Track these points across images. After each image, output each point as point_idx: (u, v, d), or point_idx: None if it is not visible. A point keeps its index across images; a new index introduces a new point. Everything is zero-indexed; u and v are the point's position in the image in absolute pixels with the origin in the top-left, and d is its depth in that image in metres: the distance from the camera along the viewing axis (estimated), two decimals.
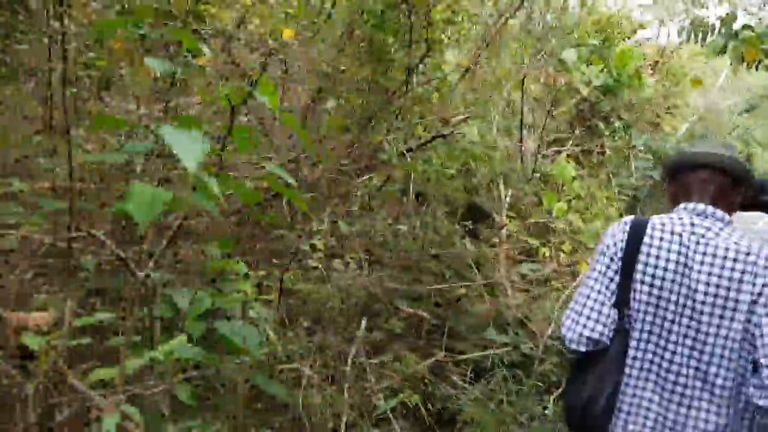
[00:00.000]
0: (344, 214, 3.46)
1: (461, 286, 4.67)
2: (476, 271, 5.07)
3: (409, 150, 4.09)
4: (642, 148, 9.24)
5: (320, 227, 2.74)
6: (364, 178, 4.02)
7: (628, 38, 8.22)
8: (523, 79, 5.00)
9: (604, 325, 2.07)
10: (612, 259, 2.11)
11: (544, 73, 5.68)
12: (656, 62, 12.00)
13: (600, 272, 2.12)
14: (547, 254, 7.44)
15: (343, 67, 3.73)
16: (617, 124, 7.98)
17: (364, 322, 4.71)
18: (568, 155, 7.40)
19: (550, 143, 7.23)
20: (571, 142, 7.20)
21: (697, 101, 14.52)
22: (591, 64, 7.69)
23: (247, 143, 1.92)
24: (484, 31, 4.73)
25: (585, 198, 7.57)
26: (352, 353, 4.27)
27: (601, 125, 7.91)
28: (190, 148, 1.47)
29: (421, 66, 3.96)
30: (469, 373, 5.01)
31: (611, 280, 2.10)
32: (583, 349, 2.11)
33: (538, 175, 5.97)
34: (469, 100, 4.45)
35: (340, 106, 3.79)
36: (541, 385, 4.85)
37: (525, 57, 5.46)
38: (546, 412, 4.36)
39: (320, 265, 2.76)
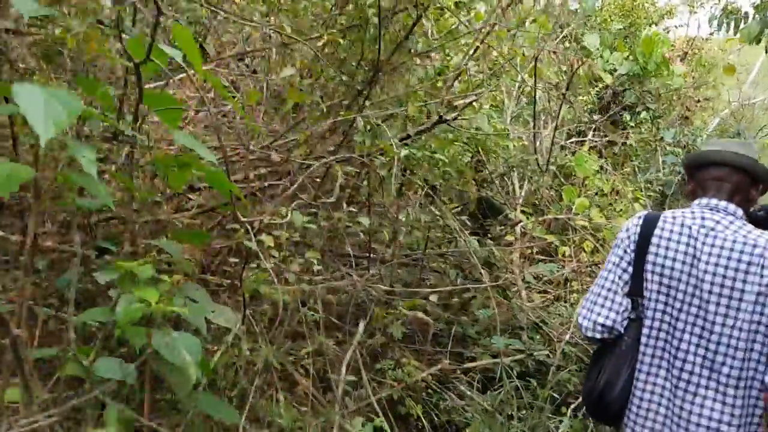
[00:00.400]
0: (318, 206, 3.07)
1: (470, 288, 4.25)
2: (487, 271, 4.65)
3: (407, 137, 3.69)
4: (670, 142, 8.74)
5: (273, 220, 2.34)
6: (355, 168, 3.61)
7: (655, 24, 7.72)
8: (536, 59, 4.56)
9: (617, 313, 2.20)
10: (625, 251, 2.23)
11: (563, 57, 5.23)
12: (685, 53, 11.45)
13: (614, 263, 2.25)
14: (567, 253, 7.01)
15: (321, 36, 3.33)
16: (643, 115, 7.48)
17: (361, 326, 4.32)
18: (590, 147, 6.93)
19: (570, 134, 6.77)
20: (592, 133, 6.73)
21: (729, 95, 14.03)
22: (615, 50, 7.21)
23: (173, 116, 1.55)
24: (495, 9, 4.31)
25: (608, 193, 7.10)
26: (346, 360, 3.87)
27: (626, 116, 7.41)
28: (47, 113, 1.10)
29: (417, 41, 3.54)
30: (477, 382, 4.60)
31: (624, 270, 2.22)
32: (597, 336, 2.24)
33: (554, 167, 5.52)
34: (476, 83, 4.02)
35: (318, 83, 3.40)
36: (556, 396, 4.42)
37: (542, 39, 5.01)
38: (561, 427, 3.92)
39: (270, 266, 2.38)
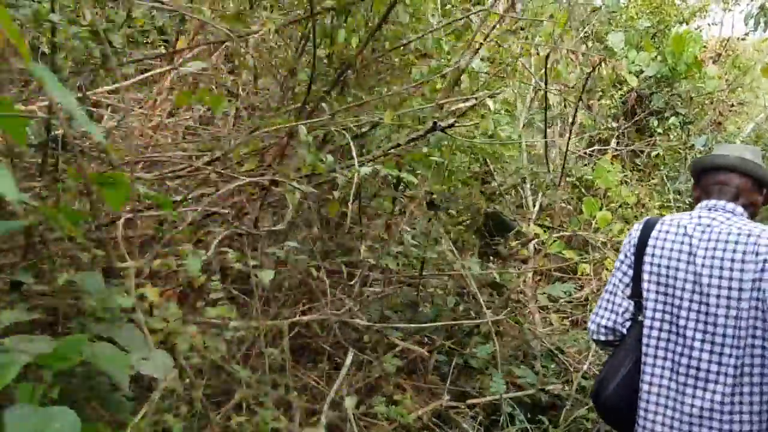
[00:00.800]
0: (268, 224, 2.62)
1: (472, 315, 3.77)
2: (491, 294, 4.17)
3: (396, 146, 3.23)
4: (702, 149, 8.15)
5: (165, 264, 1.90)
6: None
7: (686, 23, 7.15)
8: (547, 58, 4.07)
9: (617, 314, 2.29)
10: (626, 255, 2.32)
11: (582, 57, 4.74)
12: (718, 55, 10.80)
13: (616, 268, 2.34)
14: (588, 271, 6.49)
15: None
16: (672, 120, 6.92)
17: (350, 357, 3.86)
18: (613, 156, 6.40)
19: (592, 142, 6.25)
20: (615, 140, 6.20)
21: (765, 99, 13.39)
22: (641, 50, 6.67)
23: (17, 125, 1.11)
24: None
25: (633, 206, 6.56)
26: (329, 397, 3.41)
27: (653, 122, 6.85)
28: None
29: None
30: (482, 418, 4.11)
31: (624, 273, 2.30)
32: (602, 338, 2.34)
33: (573, 178, 5.02)
34: (482, 85, 3.55)
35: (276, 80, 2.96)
36: None
37: (558, 37, 4.52)
38: None
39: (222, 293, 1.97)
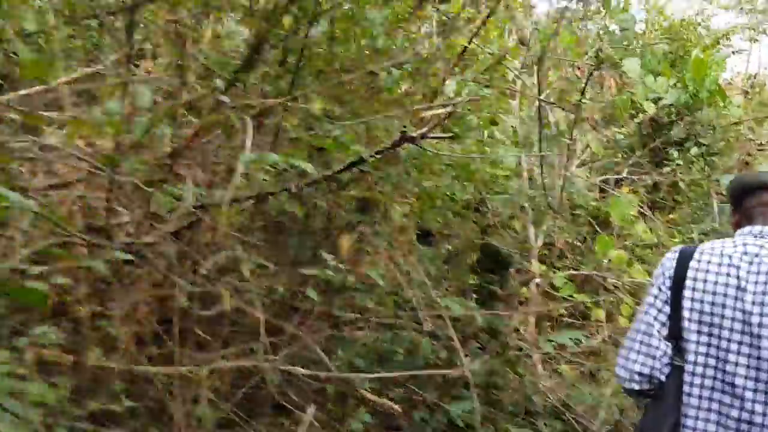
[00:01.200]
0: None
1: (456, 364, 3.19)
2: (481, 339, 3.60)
3: (357, 163, 2.74)
4: (726, 191, 7.53)
5: None
6: None
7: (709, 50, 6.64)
8: (540, 61, 3.56)
9: (654, 358, 2.01)
10: (660, 289, 2.05)
11: (591, 75, 4.23)
12: (745, 92, 10.23)
13: (649, 304, 2.07)
14: (601, 316, 5.85)
15: None
16: (694, 151, 6.32)
17: (309, 414, 3.30)
18: (630, 189, 5.83)
19: (605, 171, 5.68)
20: (627, 170, 5.62)
21: None
22: (660, 75, 6.15)
23: None
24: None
25: (652, 246, 5.94)
26: None
27: (673, 152, 6.27)
28: None
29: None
30: None
31: (659, 310, 2.03)
32: (636, 387, 2.04)
33: (581, 210, 4.46)
34: (467, 92, 3.04)
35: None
36: None
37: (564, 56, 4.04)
38: None
39: None
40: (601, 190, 6.27)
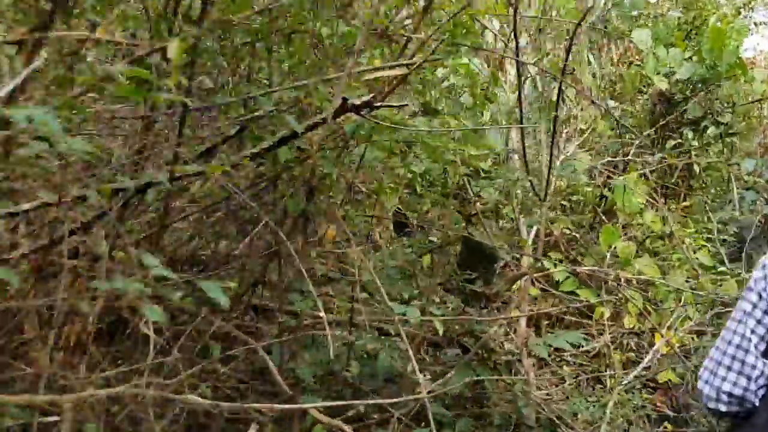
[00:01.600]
0: None
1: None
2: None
3: (287, 138, 2.23)
4: (750, 172, 6.89)
5: None
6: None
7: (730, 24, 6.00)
8: (515, 13, 2.97)
9: (749, 379, 1.76)
10: (760, 296, 1.78)
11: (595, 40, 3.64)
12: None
13: (745, 312, 1.80)
14: (606, 316, 5.30)
15: None
16: (711, 131, 5.70)
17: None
18: (640, 174, 5.25)
19: (614, 155, 5.09)
20: (632, 152, 5.03)
21: None
22: (673, 46, 5.52)
23: None
24: None
25: (664, 237, 5.35)
26: None
27: (688, 133, 5.65)
28: None
29: None
30: None
31: (758, 321, 1.77)
32: (723, 408, 1.80)
33: (579, 196, 3.90)
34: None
35: None
36: None
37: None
38: None
39: None
40: (608, 176, 5.69)
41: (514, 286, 4.44)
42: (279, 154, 2.53)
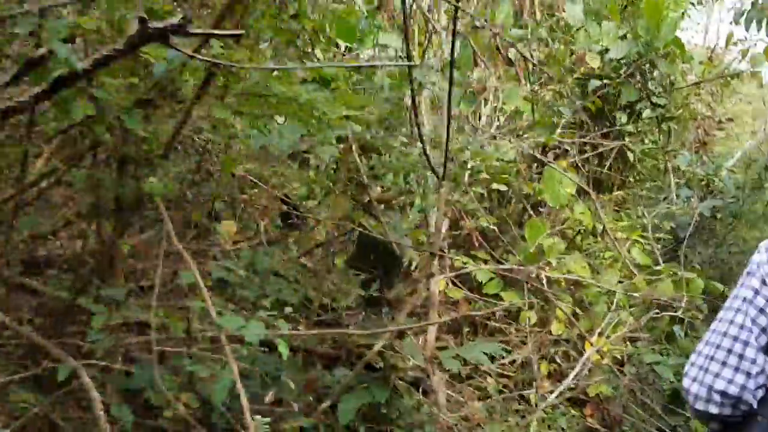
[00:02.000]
0: None
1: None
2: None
3: (73, 77, 1.47)
4: (685, 168, 6.48)
5: None
6: None
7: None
8: None
9: (748, 376, 1.54)
10: (764, 281, 1.58)
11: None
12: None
13: (745, 299, 1.58)
14: (532, 321, 4.73)
15: None
16: (647, 114, 5.19)
17: None
18: (570, 164, 4.70)
19: (543, 145, 4.50)
20: (557, 133, 4.46)
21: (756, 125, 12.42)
22: (607, 19, 4.99)
23: None
24: None
25: (596, 234, 4.81)
26: None
27: (622, 116, 5.11)
28: None
29: None
30: None
31: (761, 311, 1.56)
32: (714, 410, 1.56)
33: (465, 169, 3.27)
34: None
35: None
36: None
37: None
38: None
39: None
40: (536, 163, 5.12)
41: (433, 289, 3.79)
42: (72, 109, 1.79)
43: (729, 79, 5.93)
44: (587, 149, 4.91)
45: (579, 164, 4.89)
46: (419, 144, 2.94)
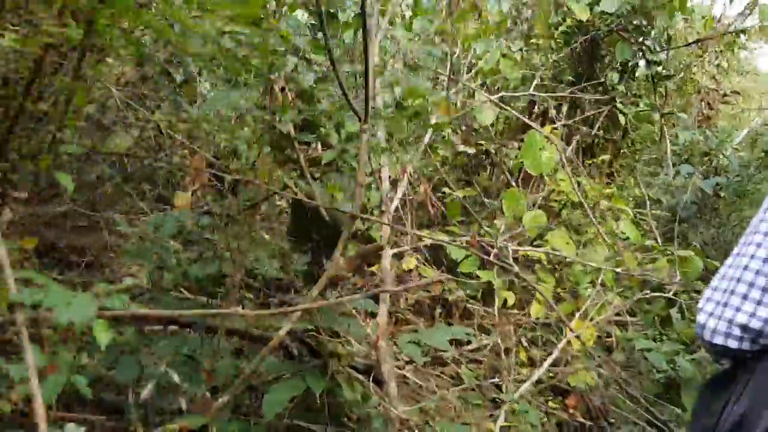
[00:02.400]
0: None
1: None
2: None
3: None
4: (683, 143, 5.98)
5: None
6: None
7: None
8: None
9: None
10: None
11: None
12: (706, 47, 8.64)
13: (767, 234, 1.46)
14: (511, 302, 4.28)
15: None
16: (641, 71, 4.65)
17: None
18: (554, 128, 4.21)
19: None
20: (532, 88, 3.94)
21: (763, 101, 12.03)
22: None
23: None
24: None
25: (584, 206, 4.31)
26: None
27: (613, 75, 4.58)
28: None
29: None
30: None
31: None
32: (733, 345, 1.43)
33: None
34: None
35: None
36: None
37: None
38: None
39: None
40: (524, 131, 4.61)
41: (384, 264, 3.31)
42: None
43: (735, 37, 5.37)
44: (576, 114, 4.39)
45: (565, 130, 4.37)
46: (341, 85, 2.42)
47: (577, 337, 3.40)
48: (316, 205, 2.76)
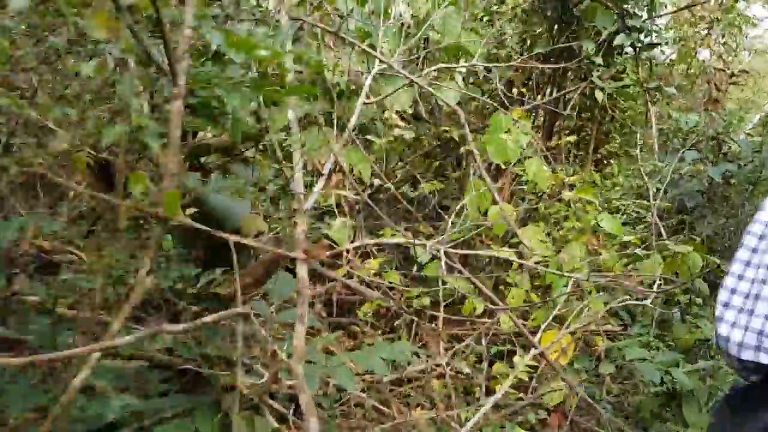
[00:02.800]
0: None
1: None
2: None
3: None
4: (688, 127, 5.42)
5: None
6: None
7: None
8: None
9: None
10: None
11: None
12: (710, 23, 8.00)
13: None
14: (478, 309, 3.78)
15: None
16: (619, 39, 4.05)
17: None
18: (525, 112, 3.68)
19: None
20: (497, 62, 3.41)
21: None
22: None
23: None
24: None
25: (559, 197, 3.76)
26: None
27: (589, 46, 3.98)
28: None
29: None
30: None
31: None
32: (764, 360, 1.26)
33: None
34: None
35: None
36: None
37: None
38: None
39: None
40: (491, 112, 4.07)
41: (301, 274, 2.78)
42: None
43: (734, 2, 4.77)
44: (549, 92, 3.81)
45: (545, 113, 3.79)
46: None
47: (542, 354, 2.85)
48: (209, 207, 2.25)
